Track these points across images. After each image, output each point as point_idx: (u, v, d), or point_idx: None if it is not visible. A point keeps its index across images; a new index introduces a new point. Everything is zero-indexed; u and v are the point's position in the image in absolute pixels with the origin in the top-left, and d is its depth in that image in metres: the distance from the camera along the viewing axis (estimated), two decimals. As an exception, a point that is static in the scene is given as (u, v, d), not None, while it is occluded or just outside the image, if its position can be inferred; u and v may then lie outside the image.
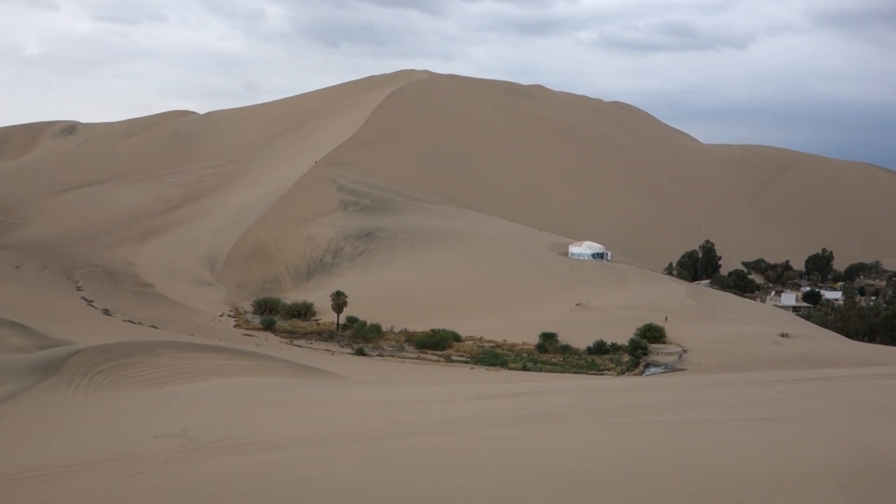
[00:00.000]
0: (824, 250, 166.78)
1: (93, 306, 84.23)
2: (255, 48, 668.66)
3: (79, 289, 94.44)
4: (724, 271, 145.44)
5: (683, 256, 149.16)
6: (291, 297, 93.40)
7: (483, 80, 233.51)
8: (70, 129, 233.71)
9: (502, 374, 59.92)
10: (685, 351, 67.80)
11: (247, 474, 13.60)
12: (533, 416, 17.25)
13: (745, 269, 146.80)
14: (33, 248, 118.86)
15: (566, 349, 69.09)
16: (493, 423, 16.43)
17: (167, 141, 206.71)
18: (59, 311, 74.62)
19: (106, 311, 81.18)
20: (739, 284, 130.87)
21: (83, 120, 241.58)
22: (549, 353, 68.68)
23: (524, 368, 63.35)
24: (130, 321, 75.95)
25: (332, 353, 68.83)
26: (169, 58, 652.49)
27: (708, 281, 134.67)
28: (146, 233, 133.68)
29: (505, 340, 73.52)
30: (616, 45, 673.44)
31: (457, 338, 73.33)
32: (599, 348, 68.94)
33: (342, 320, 78.43)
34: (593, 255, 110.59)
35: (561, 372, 62.23)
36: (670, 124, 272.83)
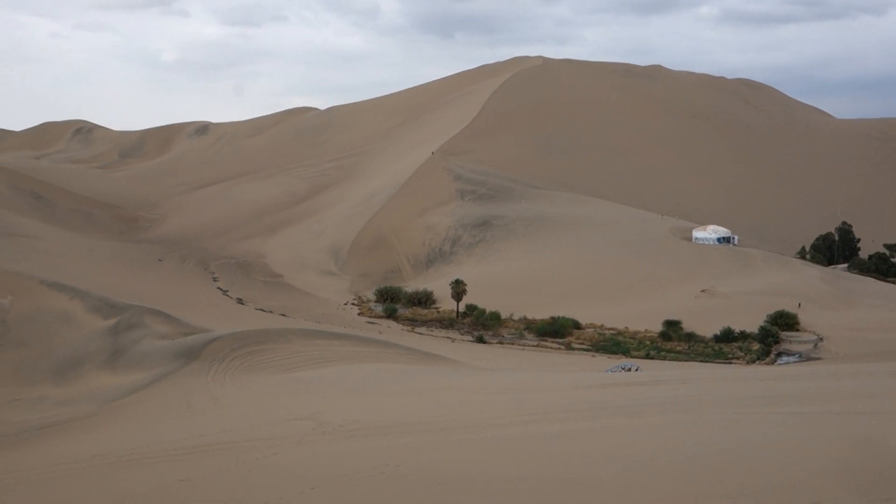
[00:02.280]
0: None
1: (228, 296, 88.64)
2: (371, 43, 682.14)
3: (215, 279, 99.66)
4: (863, 254, 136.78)
5: (818, 239, 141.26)
6: (412, 285, 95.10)
7: (599, 63, 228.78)
8: (202, 129, 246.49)
9: (625, 362, 58.86)
10: (821, 339, 64.37)
11: (374, 457, 14.04)
12: (659, 404, 16.91)
13: (887, 252, 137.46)
14: (173, 241, 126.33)
15: (691, 337, 67.11)
16: (618, 412, 16.21)
17: (291, 137, 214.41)
18: (198, 300, 78.97)
19: (240, 301, 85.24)
20: (881, 268, 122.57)
21: (214, 120, 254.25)
22: (673, 342, 66.92)
23: (647, 356, 62.03)
24: (262, 310, 79.45)
25: (453, 340, 69.64)
26: (291, 56, 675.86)
27: (846, 265, 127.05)
28: (274, 225, 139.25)
29: (626, 328, 72.19)
30: (740, 19, 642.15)
31: (577, 325, 72.59)
32: (727, 336, 66.52)
33: (462, 308, 79.21)
34: (719, 240, 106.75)
35: (686, 360, 60.54)
36: (801, 100, 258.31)
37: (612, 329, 72.26)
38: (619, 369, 51.37)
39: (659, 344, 66.61)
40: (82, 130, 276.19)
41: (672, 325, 68.64)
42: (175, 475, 15.64)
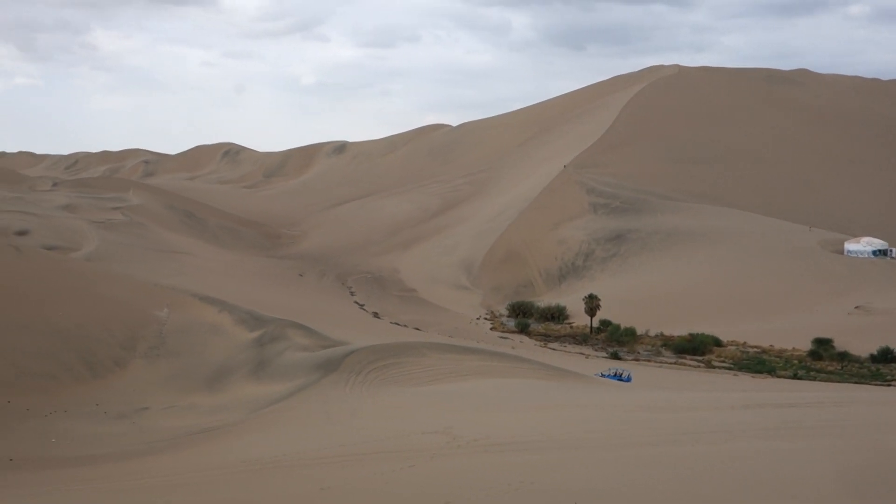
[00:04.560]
0: None
1: (364, 309, 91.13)
2: (502, 59, 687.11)
3: (352, 294, 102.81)
4: None
5: None
6: (544, 300, 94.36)
7: (738, 70, 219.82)
8: (340, 148, 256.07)
9: (770, 381, 55.88)
10: None
11: (508, 473, 13.99)
12: (809, 428, 15.92)
13: None
14: (313, 257, 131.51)
15: (844, 356, 62.80)
16: (763, 434, 15.40)
17: (424, 153, 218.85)
18: (336, 313, 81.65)
19: (375, 314, 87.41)
20: None
21: (351, 139, 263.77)
22: (823, 361, 62.89)
23: (795, 376, 58.55)
24: (397, 323, 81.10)
25: (587, 356, 68.49)
26: (423, 75, 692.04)
27: None
28: (408, 241, 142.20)
29: (772, 346, 68.52)
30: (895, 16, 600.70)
31: (717, 342, 69.61)
32: (885, 356, 61.77)
33: (596, 323, 77.81)
34: (874, 252, 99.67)
35: (839, 381, 56.69)
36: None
37: (755, 347, 68.78)
38: (612, 375, 48.96)
39: (808, 363, 62.79)
40: (230, 152, 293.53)
41: (822, 344, 64.52)
42: (316, 484, 16.17)
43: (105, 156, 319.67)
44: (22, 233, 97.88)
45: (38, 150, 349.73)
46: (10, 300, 40.16)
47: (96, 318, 42.59)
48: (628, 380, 48.07)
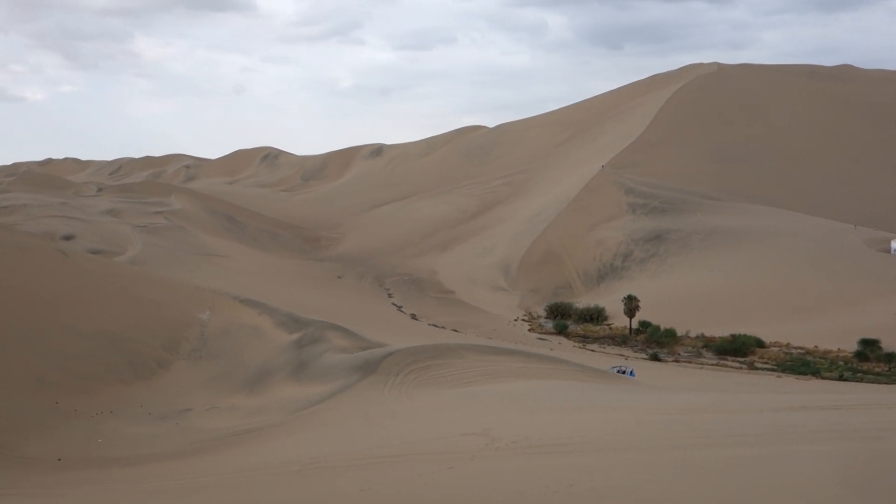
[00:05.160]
0: None
1: (402, 311, 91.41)
2: (538, 59, 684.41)
3: (389, 295, 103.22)
4: None
5: None
6: (583, 301, 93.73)
7: (779, 66, 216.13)
8: (377, 151, 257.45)
9: (815, 383, 54.82)
10: None
11: (548, 476, 13.92)
12: (855, 431, 15.58)
13: None
14: (352, 259, 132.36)
15: (892, 357, 61.33)
16: (807, 438, 15.10)
17: (461, 155, 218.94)
18: (374, 315, 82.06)
19: (413, 316, 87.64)
20: None
21: (388, 142, 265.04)
22: (870, 362, 61.50)
23: (841, 378, 57.35)
24: (434, 325, 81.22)
25: (626, 357, 67.85)
26: (459, 77, 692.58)
27: None
28: (446, 242, 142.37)
29: (816, 347, 67.18)
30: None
31: (760, 343, 68.47)
32: (935, 357, 60.23)
33: (635, 325, 77.09)
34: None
35: (887, 383, 55.42)
36: None
37: (799, 348, 67.52)
38: (615, 370, 48.18)
39: (854, 364, 61.45)
40: (269, 156, 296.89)
41: (869, 345, 63.09)
42: (355, 485, 16.27)
43: (147, 161, 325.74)
44: (68, 237, 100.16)
45: (83, 157, 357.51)
46: (57, 303, 41.10)
47: (140, 320, 43.39)
48: (632, 374, 47.82)
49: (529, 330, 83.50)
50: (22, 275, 43.13)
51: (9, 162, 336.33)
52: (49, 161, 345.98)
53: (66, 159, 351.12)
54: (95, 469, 23.90)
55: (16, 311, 37.67)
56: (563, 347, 71.58)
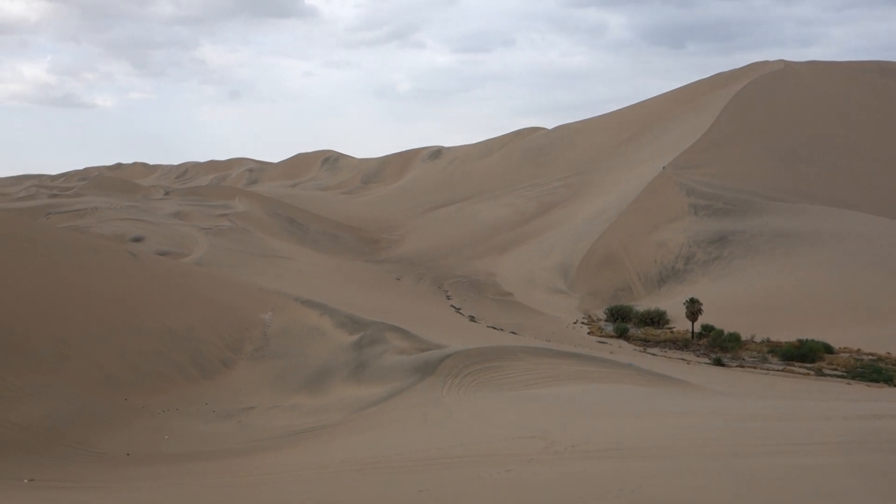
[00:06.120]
0: None
1: (460, 313, 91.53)
2: (598, 60, 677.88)
3: (448, 297, 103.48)
4: None
5: None
6: (643, 304, 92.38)
7: (849, 63, 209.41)
8: (436, 153, 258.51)
9: (887, 391, 52.93)
10: None
11: (608, 481, 13.79)
12: (930, 441, 14.99)
13: None
14: (410, 261, 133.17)
15: (970, 365, 58.88)
16: (878, 447, 14.59)
17: (520, 157, 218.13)
18: (433, 317, 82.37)
19: (472, 318, 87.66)
20: None
21: (446, 144, 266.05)
22: (947, 370, 59.10)
23: (915, 386, 55.27)
24: (493, 327, 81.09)
25: (688, 362, 66.62)
26: (518, 79, 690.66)
27: None
28: (504, 244, 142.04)
29: (888, 353, 64.85)
30: None
31: (828, 349, 66.38)
32: None
33: (697, 328, 75.62)
34: None
35: (965, 392, 53.19)
36: None
37: (870, 354, 65.27)
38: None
39: (929, 372, 59.15)
40: (330, 160, 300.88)
41: (945, 352, 60.67)
42: (414, 485, 16.37)
43: (212, 165, 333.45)
44: (137, 239, 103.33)
45: (151, 161, 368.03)
46: (127, 303, 42.41)
47: (205, 320, 44.45)
48: None
49: (589, 333, 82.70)
50: (93, 275, 44.63)
51: (81, 167, 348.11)
52: (119, 165, 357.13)
53: (134, 164, 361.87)
54: (163, 464, 24.57)
55: (87, 311, 39.00)
56: (623, 351, 70.70)
